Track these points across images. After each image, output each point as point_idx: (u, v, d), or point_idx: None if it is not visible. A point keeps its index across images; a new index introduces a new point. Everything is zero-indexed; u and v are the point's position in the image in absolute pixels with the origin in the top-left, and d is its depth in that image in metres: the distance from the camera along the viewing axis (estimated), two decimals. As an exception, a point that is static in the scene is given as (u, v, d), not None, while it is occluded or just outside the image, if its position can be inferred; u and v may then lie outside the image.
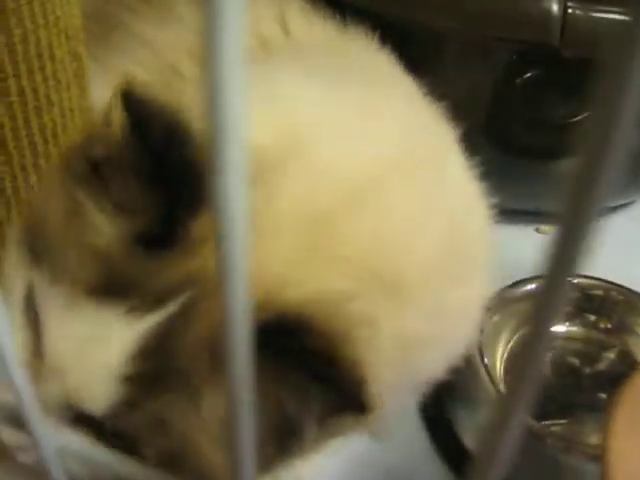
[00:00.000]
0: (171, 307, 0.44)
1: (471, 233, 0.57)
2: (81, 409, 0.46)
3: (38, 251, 0.49)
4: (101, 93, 0.77)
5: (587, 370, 0.79)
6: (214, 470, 0.47)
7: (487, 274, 0.57)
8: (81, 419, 0.47)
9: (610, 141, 0.15)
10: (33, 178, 0.69)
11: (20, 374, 0.23)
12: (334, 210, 0.48)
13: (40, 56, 0.65)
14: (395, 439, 0.72)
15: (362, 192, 0.50)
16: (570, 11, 0.79)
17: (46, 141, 0.68)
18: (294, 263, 0.46)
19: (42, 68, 0.65)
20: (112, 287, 0.45)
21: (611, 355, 0.80)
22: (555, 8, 0.79)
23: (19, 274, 0.50)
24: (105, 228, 0.46)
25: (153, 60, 0.74)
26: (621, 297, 0.80)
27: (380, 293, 0.48)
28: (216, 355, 0.43)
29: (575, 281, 0.67)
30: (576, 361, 0.80)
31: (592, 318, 0.82)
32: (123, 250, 0.45)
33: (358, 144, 0.53)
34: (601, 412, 0.72)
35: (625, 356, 0.80)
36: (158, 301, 0.44)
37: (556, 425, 0.74)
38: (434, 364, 0.59)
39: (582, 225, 0.16)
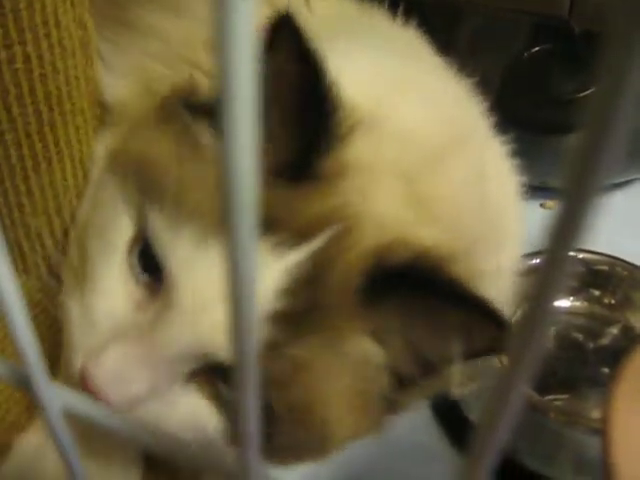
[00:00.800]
0: (317, 242, 0.43)
1: (505, 203, 0.58)
2: (212, 357, 0.45)
3: (155, 197, 0.47)
4: (112, 80, 0.77)
5: (590, 345, 0.79)
6: (338, 430, 0.47)
7: (518, 243, 0.58)
8: (203, 372, 0.46)
9: (614, 115, 0.15)
10: (38, 146, 0.69)
11: (23, 326, 0.23)
12: (420, 170, 0.49)
13: (45, 23, 0.64)
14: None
15: (439, 154, 0.50)
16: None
17: (51, 109, 0.68)
18: (405, 215, 0.47)
19: (47, 35, 0.65)
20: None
21: (614, 330, 0.80)
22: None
23: (121, 223, 0.49)
24: None
25: (167, 52, 0.74)
26: (626, 273, 0.80)
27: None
28: (363, 294, 0.43)
29: (580, 256, 0.68)
30: (580, 336, 0.80)
31: (596, 293, 0.82)
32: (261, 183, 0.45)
33: (428, 104, 0.53)
34: (604, 387, 0.72)
35: (628, 331, 0.80)
36: (303, 236, 0.44)
37: (559, 399, 0.75)
38: None
39: (586, 200, 0.16)
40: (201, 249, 0.44)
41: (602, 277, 0.81)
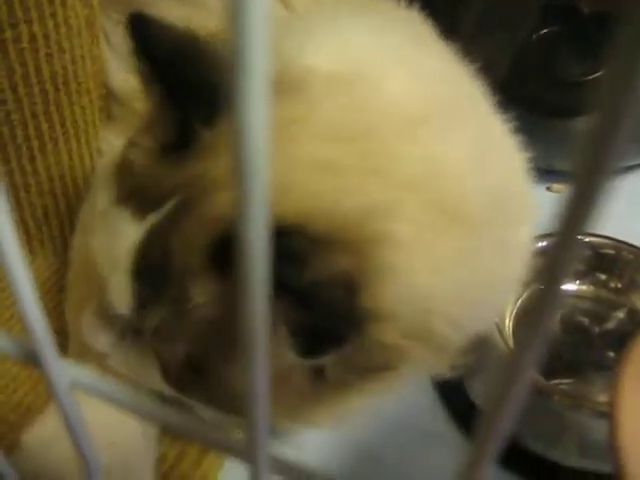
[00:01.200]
0: (166, 207, 0.47)
1: (511, 180, 0.57)
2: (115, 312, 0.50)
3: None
4: (118, 63, 0.77)
5: (596, 329, 0.79)
6: (227, 381, 0.49)
7: (533, 219, 0.57)
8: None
9: (626, 97, 0.15)
10: (44, 126, 0.69)
11: (32, 301, 0.23)
12: (388, 132, 0.48)
13: (51, 2, 0.64)
14: (404, 396, 0.73)
15: (419, 121, 0.49)
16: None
17: (57, 89, 0.68)
18: (333, 171, 0.46)
19: (53, 14, 0.65)
20: (130, 194, 0.49)
21: (620, 314, 0.80)
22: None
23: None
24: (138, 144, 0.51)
25: None
26: (632, 256, 0.80)
27: (439, 218, 0.47)
28: (211, 255, 0.45)
29: (586, 240, 0.67)
30: (585, 320, 0.80)
31: (603, 277, 0.81)
32: (146, 162, 0.50)
33: (415, 80, 0.53)
34: (609, 371, 0.72)
35: (634, 315, 0.80)
36: (158, 202, 0.47)
37: (564, 383, 0.75)
38: (488, 310, 0.58)
39: (596, 184, 0.16)
40: (106, 221, 0.51)
41: (608, 261, 0.80)
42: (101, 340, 0.53)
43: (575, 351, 0.77)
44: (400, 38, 0.57)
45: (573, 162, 0.16)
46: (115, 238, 0.49)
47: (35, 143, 0.70)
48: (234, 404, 0.50)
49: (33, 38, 0.64)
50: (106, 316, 0.52)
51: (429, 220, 0.46)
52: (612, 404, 0.51)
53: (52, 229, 0.77)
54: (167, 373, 0.52)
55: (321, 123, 0.47)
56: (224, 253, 0.44)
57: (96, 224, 0.52)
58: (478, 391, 0.73)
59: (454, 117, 0.53)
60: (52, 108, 0.68)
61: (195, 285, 0.46)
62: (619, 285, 0.81)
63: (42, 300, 0.74)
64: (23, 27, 0.63)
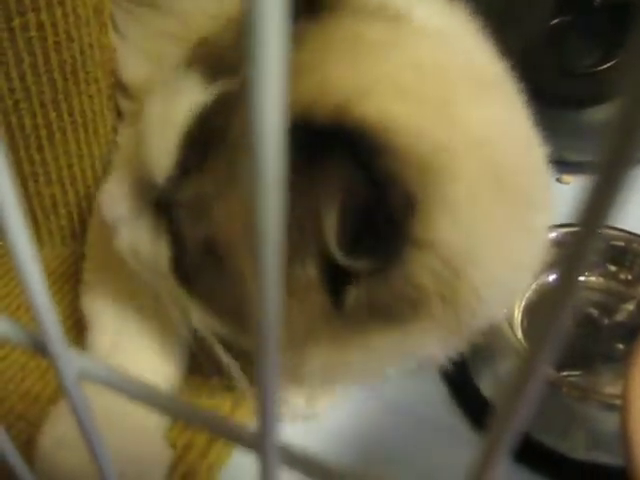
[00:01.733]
0: (240, 78, 0.47)
1: (544, 168, 0.57)
2: (149, 180, 0.51)
3: None
4: (127, 52, 0.77)
5: (605, 321, 0.79)
6: (240, 278, 0.48)
7: (552, 209, 0.57)
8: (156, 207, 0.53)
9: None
10: (52, 115, 0.69)
11: (41, 291, 0.23)
12: (463, 87, 0.48)
13: (60, -10, 0.64)
14: (415, 390, 0.73)
15: (490, 85, 0.51)
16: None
17: (65, 78, 0.68)
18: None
19: (61, 3, 0.64)
20: (202, 58, 0.50)
21: (630, 307, 0.80)
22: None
23: None
24: None
25: (186, 35, 0.73)
26: (641, 248, 0.80)
27: (492, 183, 0.47)
28: None
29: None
30: (595, 311, 0.79)
31: (612, 269, 0.81)
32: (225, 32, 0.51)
33: (485, 49, 0.55)
34: (618, 363, 0.72)
35: (644, 308, 0.79)
36: (231, 70, 0.47)
37: (573, 375, 0.74)
38: (507, 294, 0.58)
39: (620, 174, 0.16)
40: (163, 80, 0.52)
41: (618, 252, 0.80)
42: (117, 210, 0.54)
43: (584, 343, 0.77)
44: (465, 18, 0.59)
45: (596, 152, 0.16)
46: (175, 99, 0.49)
47: (43, 132, 0.69)
48: (240, 313, 0.49)
49: (41, 26, 0.64)
50: (131, 187, 0.54)
51: (484, 182, 0.46)
52: (623, 396, 0.51)
53: (60, 218, 0.77)
54: (177, 261, 0.52)
55: (407, 54, 0.48)
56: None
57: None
58: (488, 383, 0.72)
59: (512, 91, 0.54)
60: (60, 97, 0.68)
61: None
62: (629, 277, 0.81)
63: (50, 290, 0.74)
64: (31, 15, 0.63)
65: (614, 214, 0.16)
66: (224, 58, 0.48)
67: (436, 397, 0.74)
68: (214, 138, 0.47)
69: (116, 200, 0.54)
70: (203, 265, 0.50)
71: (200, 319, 0.53)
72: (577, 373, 0.74)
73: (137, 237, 0.54)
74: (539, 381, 0.21)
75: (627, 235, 0.80)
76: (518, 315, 0.75)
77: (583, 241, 0.18)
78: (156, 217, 0.53)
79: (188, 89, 0.48)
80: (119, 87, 0.77)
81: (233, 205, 0.46)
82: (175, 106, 0.48)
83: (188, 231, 0.50)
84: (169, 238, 0.53)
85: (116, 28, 0.78)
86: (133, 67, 0.77)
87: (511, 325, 0.70)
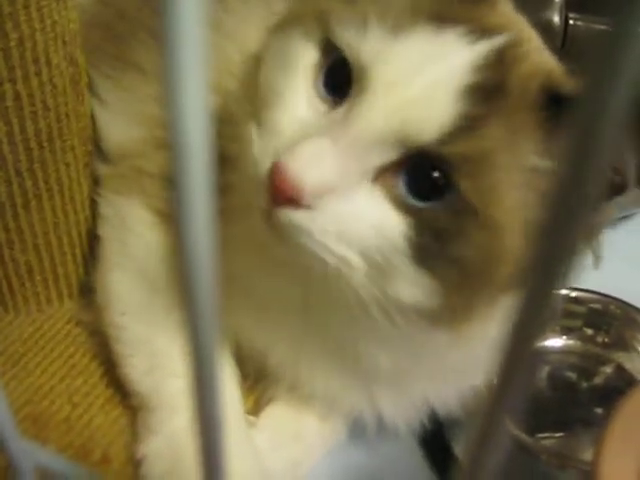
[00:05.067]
0: (498, 39, 0.49)
1: None
2: (413, 139, 0.47)
3: (339, 15, 0.52)
4: (109, 118, 0.77)
5: (584, 384, 0.79)
6: (507, 250, 0.48)
7: None
8: (389, 173, 0.49)
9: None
10: (28, 183, 0.69)
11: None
12: None
13: (36, 61, 0.65)
14: (383, 445, 0.72)
15: None
16: (571, 22, 0.79)
17: (41, 146, 0.68)
18: None
19: (38, 73, 0.65)
20: (442, 18, 0.49)
21: (608, 370, 0.79)
22: (556, 19, 0.79)
23: (304, 51, 0.52)
24: None
25: None
26: (619, 311, 0.80)
27: None
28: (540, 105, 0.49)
29: (573, 294, 0.67)
30: (573, 375, 0.79)
31: (590, 332, 0.81)
32: None
33: None
34: (597, 427, 0.72)
35: (622, 371, 0.79)
36: (486, 33, 0.49)
37: (552, 438, 0.74)
38: None
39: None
40: (391, 38, 0.48)
41: (596, 316, 0.80)
42: (325, 175, 0.47)
43: (563, 407, 0.76)
44: None
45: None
46: (436, 56, 0.48)
47: (19, 200, 0.70)
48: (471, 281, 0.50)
49: (17, 97, 0.64)
50: (344, 150, 0.48)
51: None
52: (596, 464, 0.51)
53: (36, 285, 0.76)
54: (418, 231, 0.49)
55: None
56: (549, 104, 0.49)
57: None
58: (460, 440, 0.72)
59: None
60: (36, 166, 0.68)
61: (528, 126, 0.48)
62: (607, 340, 0.81)
63: (24, 357, 0.73)
64: (7, 86, 0.63)
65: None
66: (478, 21, 0.50)
67: (413, 463, 0.73)
68: (492, 92, 0.48)
69: (325, 164, 0.47)
70: (454, 227, 0.48)
71: (414, 294, 0.50)
72: (557, 435, 0.74)
73: (352, 209, 0.49)
74: (500, 439, 0.21)
75: (603, 298, 0.80)
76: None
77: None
78: (387, 185, 0.49)
79: (450, 46, 0.48)
80: (98, 153, 0.77)
81: (511, 160, 0.48)
82: (441, 62, 0.48)
83: (460, 184, 0.47)
84: (407, 207, 0.49)
85: (95, 94, 0.79)
86: (114, 132, 0.77)
87: (489, 389, 0.69)
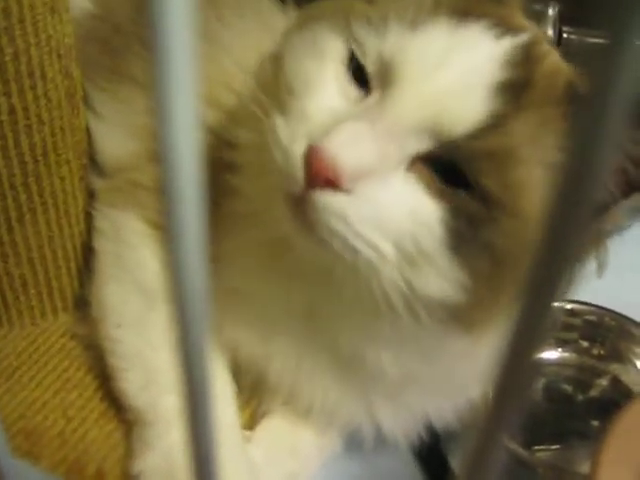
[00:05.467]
0: (522, 36, 0.51)
1: None
2: (445, 132, 0.48)
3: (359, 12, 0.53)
4: (105, 130, 0.77)
5: (580, 397, 0.79)
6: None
7: None
8: (423, 162, 0.49)
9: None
10: (23, 197, 0.69)
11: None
12: None
13: (31, 75, 0.65)
14: (379, 457, 0.72)
15: None
16: (565, 36, 0.79)
17: (36, 160, 0.68)
18: None
19: (33, 87, 0.65)
20: (465, 13, 0.50)
21: (604, 382, 0.79)
22: (550, 33, 0.79)
23: (332, 43, 0.53)
24: None
25: None
26: (614, 323, 0.80)
27: None
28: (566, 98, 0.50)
29: (569, 307, 0.67)
30: (569, 388, 0.79)
31: (585, 344, 0.81)
32: None
33: None
34: (593, 439, 0.72)
35: (618, 383, 0.79)
36: (510, 29, 0.51)
37: (548, 451, 0.74)
38: None
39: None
40: (413, 32, 0.49)
41: (591, 328, 0.80)
42: (364, 158, 0.47)
43: (559, 419, 0.76)
44: None
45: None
46: (463, 49, 0.49)
47: (13, 214, 0.69)
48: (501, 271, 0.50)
49: (12, 110, 0.64)
50: (382, 135, 0.48)
51: None
52: (593, 477, 0.51)
53: (30, 298, 0.76)
54: (454, 219, 0.49)
55: None
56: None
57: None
58: (457, 455, 0.72)
59: None
60: (31, 179, 0.68)
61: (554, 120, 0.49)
62: (602, 352, 0.81)
63: (18, 371, 0.73)
64: (2, 100, 0.63)
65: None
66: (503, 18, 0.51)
67: (409, 476, 0.73)
68: (520, 88, 0.48)
69: (364, 147, 0.47)
70: (485, 213, 0.48)
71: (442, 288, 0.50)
72: (553, 448, 0.74)
73: (389, 195, 0.48)
74: (497, 453, 0.21)
75: (598, 310, 0.80)
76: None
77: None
78: (420, 173, 0.49)
79: (475, 39, 0.49)
80: (93, 166, 0.77)
81: (535, 155, 0.48)
82: (468, 54, 0.48)
83: (485, 181, 0.47)
84: (442, 194, 0.49)
85: (91, 107, 0.79)
86: (110, 146, 0.77)
87: (485, 403, 0.69)
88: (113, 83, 0.79)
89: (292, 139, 0.49)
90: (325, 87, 0.51)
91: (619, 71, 0.16)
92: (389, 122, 0.48)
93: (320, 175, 0.47)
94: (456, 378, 0.63)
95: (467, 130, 0.47)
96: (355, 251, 0.48)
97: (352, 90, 0.52)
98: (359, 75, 0.52)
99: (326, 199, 0.47)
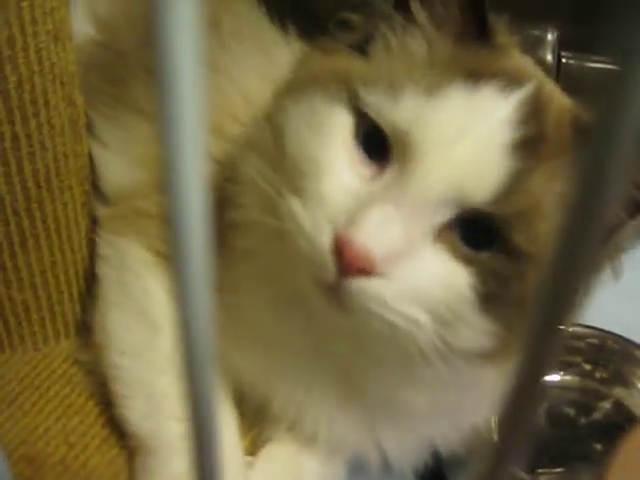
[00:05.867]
0: (527, 88, 0.50)
1: None
2: (467, 201, 0.48)
3: (364, 81, 0.52)
4: (118, 159, 0.78)
5: (582, 420, 0.78)
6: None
7: None
8: (447, 230, 0.49)
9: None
10: (25, 223, 0.69)
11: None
12: None
13: (35, 102, 0.65)
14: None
15: None
16: (564, 60, 0.79)
17: (39, 186, 0.68)
18: None
19: (36, 114, 0.65)
20: (474, 75, 0.50)
21: (606, 405, 0.79)
22: (549, 57, 0.79)
23: (337, 117, 0.52)
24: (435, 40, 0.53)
25: None
26: (617, 346, 0.80)
27: None
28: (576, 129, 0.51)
29: (571, 329, 0.67)
30: (572, 411, 0.79)
31: (588, 367, 0.81)
32: (462, 49, 0.52)
33: None
34: (596, 463, 0.71)
35: (620, 406, 0.79)
36: (516, 82, 0.50)
37: (551, 474, 0.73)
38: None
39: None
40: (429, 99, 0.49)
41: (593, 351, 0.80)
42: (394, 243, 0.47)
43: (561, 442, 0.76)
44: None
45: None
46: (474, 111, 0.49)
47: (16, 239, 0.70)
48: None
49: (15, 138, 0.65)
50: (408, 214, 0.48)
51: None
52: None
53: (32, 324, 0.76)
54: (484, 283, 0.49)
55: None
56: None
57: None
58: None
59: None
60: (34, 205, 0.69)
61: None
62: (605, 375, 0.80)
63: (20, 397, 0.73)
64: (6, 127, 0.64)
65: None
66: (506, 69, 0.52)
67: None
68: (534, 142, 0.49)
69: (392, 230, 0.47)
70: (513, 270, 0.49)
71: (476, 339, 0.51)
72: (557, 471, 0.73)
73: (421, 270, 0.49)
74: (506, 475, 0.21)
75: (601, 333, 0.80)
76: (495, 418, 0.75)
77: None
78: (447, 241, 0.49)
79: (489, 102, 0.49)
80: (96, 194, 0.78)
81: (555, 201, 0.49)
82: (484, 120, 0.48)
83: (512, 237, 0.48)
84: (469, 259, 0.49)
85: (95, 135, 0.79)
86: (114, 173, 0.78)
87: (488, 428, 0.69)
88: (116, 111, 0.80)
89: (316, 228, 0.49)
90: (337, 166, 0.51)
91: (626, 97, 0.16)
92: (413, 200, 0.48)
93: (353, 266, 0.47)
94: (465, 405, 0.63)
95: (490, 194, 0.48)
96: (393, 325, 0.49)
97: (365, 164, 0.51)
98: (368, 145, 0.51)
99: (361, 285, 0.48)
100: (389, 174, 0.50)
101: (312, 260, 0.49)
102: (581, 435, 0.77)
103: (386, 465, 0.68)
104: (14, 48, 0.62)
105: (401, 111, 0.49)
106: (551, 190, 0.49)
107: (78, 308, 0.78)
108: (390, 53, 0.53)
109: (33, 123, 0.65)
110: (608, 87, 0.17)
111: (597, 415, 0.79)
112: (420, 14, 0.53)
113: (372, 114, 0.50)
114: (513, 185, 0.47)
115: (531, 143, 0.48)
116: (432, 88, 0.49)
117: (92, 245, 0.75)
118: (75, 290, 0.77)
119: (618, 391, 0.80)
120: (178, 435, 0.62)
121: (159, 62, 0.17)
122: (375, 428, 0.65)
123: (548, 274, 0.18)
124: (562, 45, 0.81)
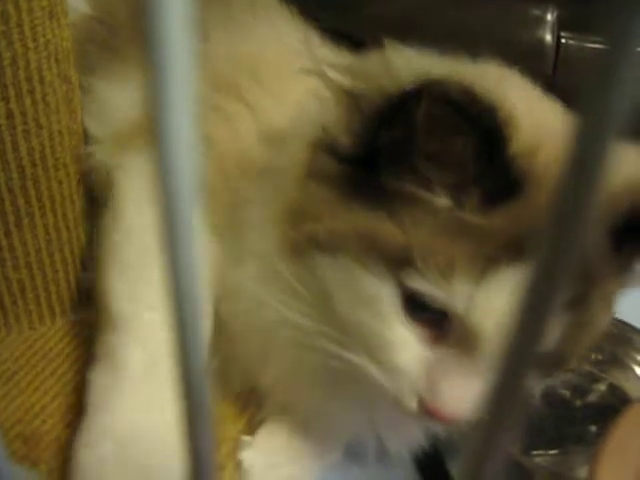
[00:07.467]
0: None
1: None
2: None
3: (401, 263, 0.52)
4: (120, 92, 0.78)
5: (578, 402, 0.79)
6: None
7: None
8: None
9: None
10: (21, 201, 0.69)
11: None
12: None
13: (29, 79, 0.65)
14: (379, 467, 0.72)
15: None
16: (563, 41, 0.79)
17: (34, 164, 0.68)
18: None
19: (31, 91, 0.65)
20: (516, 251, 0.48)
21: (602, 387, 0.79)
22: (548, 38, 0.79)
23: (384, 291, 0.52)
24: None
25: None
26: (613, 329, 0.80)
27: None
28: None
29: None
30: (567, 393, 0.79)
31: (583, 349, 0.81)
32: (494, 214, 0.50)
33: None
34: (591, 444, 0.72)
35: (616, 389, 0.79)
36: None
37: (546, 456, 0.74)
38: None
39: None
40: (479, 286, 0.49)
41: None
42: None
43: (557, 424, 0.76)
44: None
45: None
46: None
47: (11, 218, 0.69)
48: None
49: (10, 115, 0.64)
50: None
51: None
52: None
53: (28, 303, 0.76)
54: None
55: None
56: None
57: None
58: (458, 464, 0.71)
59: None
60: (29, 183, 0.68)
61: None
62: (600, 357, 0.81)
63: (16, 376, 0.72)
64: (0, 104, 0.63)
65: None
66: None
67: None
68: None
69: (470, 394, 0.52)
70: None
71: None
72: (551, 453, 0.74)
73: None
74: (497, 459, 0.21)
75: (597, 315, 0.80)
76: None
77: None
78: None
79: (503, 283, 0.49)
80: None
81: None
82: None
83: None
84: None
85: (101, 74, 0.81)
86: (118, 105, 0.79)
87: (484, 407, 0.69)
88: (116, 75, 0.81)
89: (401, 393, 0.54)
90: (403, 338, 0.53)
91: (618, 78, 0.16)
92: (480, 367, 0.52)
93: (443, 422, 0.54)
94: None
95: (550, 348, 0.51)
96: None
97: (421, 324, 0.53)
98: (416, 304, 0.52)
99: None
100: (452, 338, 0.52)
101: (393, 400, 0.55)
102: (576, 417, 0.77)
103: (383, 451, 0.69)
104: (8, 24, 0.62)
105: (454, 298, 0.50)
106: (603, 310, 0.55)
107: (74, 286, 0.78)
108: (421, 222, 0.51)
109: (28, 100, 0.65)
110: (598, 68, 0.16)
111: (592, 397, 0.79)
112: (441, 197, 0.51)
113: (421, 296, 0.51)
114: (570, 333, 0.51)
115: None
116: (480, 269, 0.49)
117: (88, 223, 0.75)
118: (71, 268, 0.77)
119: (613, 373, 0.80)
120: (148, 324, 0.61)
121: (147, 22, 0.17)
122: (372, 414, 0.65)
123: (539, 264, 0.18)
124: (562, 25, 0.80)
